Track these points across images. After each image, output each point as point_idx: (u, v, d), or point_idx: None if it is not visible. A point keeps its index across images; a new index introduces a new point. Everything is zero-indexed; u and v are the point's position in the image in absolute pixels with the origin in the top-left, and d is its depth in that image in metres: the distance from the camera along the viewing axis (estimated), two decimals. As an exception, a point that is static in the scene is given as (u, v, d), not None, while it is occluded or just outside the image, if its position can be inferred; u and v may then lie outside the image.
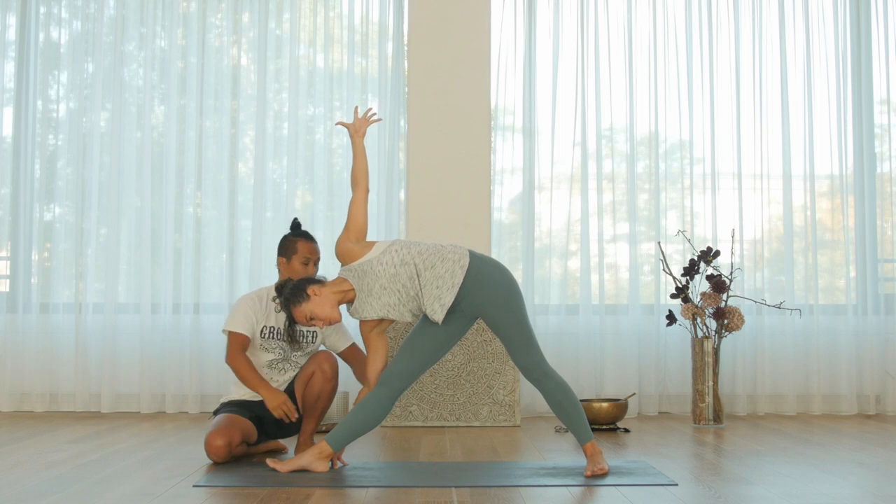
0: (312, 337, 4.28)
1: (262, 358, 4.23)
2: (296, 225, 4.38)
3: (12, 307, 5.93)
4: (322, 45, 6.04)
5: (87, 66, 6.00)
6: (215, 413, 4.21)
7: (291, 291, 3.81)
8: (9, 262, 5.97)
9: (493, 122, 5.92)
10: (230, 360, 4.14)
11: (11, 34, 6.05)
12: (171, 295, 5.89)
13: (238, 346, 4.14)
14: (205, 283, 5.93)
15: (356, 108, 4.10)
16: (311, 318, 3.78)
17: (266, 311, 4.24)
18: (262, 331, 4.22)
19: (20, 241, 5.96)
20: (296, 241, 4.30)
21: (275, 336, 4.22)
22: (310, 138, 6.01)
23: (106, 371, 5.81)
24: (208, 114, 5.99)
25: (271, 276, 5.66)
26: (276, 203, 5.96)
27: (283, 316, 4.22)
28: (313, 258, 4.29)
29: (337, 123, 4.08)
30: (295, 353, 4.26)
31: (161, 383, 5.84)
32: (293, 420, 4.10)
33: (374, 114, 4.03)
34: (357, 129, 3.95)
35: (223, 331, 4.20)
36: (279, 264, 4.32)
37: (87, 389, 5.84)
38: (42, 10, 6.05)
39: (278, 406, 4.08)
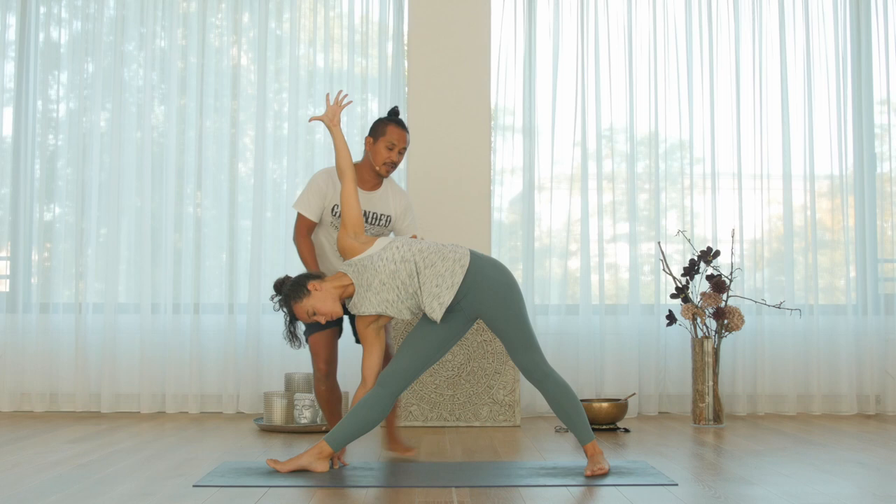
0: (387, 221, 4.35)
1: (334, 235, 4.30)
2: (395, 111, 4.35)
3: (12, 307, 5.93)
4: (322, 44, 6.04)
5: (87, 66, 6.00)
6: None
7: (291, 288, 3.81)
8: (9, 262, 5.97)
9: (493, 122, 5.92)
10: (296, 239, 4.28)
11: (11, 34, 6.04)
12: (171, 295, 5.89)
13: (304, 229, 4.28)
14: (205, 283, 5.93)
15: (327, 95, 4.09)
16: (313, 314, 3.78)
17: (336, 189, 4.27)
18: (332, 209, 4.28)
19: (20, 241, 5.96)
20: (388, 124, 4.28)
21: None
22: (310, 138, 6.01)
23: (106, 371, 5.81)
24: (208, 114, 5.99)
25: (271, 276, 5.68)
26: (276, 203, 5.95)
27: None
28: (399, 146, 4.27)
29: (310, 120, 4.07)
30: (368, 227, 4.31)
31: (161, 383, 5.84)
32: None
33: (346, 96, 4.02)
34: (331, 119, 3.94)
35: (294, 206, 4.30)
36: (366, 144, 4.32)
37: (87, 389, 5.84)
38: (42, 10, 6.05)
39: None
